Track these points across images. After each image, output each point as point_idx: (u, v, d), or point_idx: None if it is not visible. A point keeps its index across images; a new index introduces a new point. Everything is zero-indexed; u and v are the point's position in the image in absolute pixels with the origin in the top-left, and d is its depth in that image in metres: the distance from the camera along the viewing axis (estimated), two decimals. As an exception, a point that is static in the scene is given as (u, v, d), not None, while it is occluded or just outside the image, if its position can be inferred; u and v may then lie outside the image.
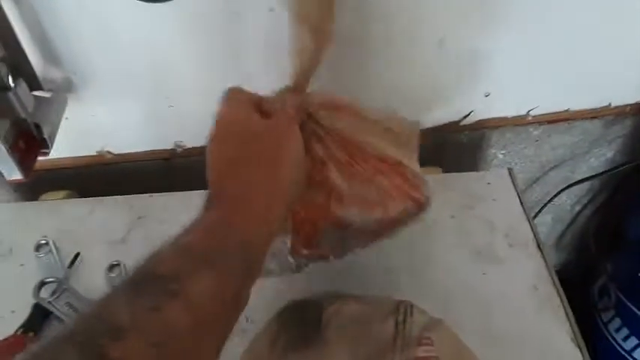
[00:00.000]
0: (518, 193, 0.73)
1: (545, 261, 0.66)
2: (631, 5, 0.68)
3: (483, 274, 0.64)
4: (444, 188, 0.74)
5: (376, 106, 0.53)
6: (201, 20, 0.62)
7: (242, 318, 0.36)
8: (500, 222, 0.70)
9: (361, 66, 0.71)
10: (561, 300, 0.61)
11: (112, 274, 0.64)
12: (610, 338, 1.01)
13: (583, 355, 0.57)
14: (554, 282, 0.63)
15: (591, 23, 0.69)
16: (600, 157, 0.92)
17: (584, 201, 1.01)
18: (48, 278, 0.62)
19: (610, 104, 0.81)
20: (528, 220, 0.70)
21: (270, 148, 0.41)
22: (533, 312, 0.61)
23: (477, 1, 0.65)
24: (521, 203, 0.72)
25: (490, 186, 0.75)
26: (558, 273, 1.19)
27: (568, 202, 1.01)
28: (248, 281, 0.35)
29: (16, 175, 0.54)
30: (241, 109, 0.45)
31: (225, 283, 0.33)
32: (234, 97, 0.46)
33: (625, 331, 0.96)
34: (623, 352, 0.99)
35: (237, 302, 0.34)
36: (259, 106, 0.45)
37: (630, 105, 0.82)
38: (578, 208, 1.03)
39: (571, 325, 0.59)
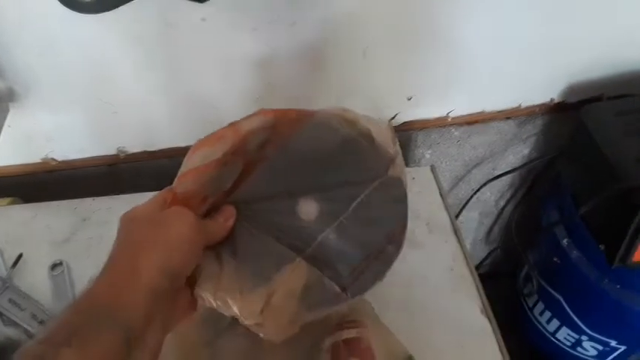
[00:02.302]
0: (439, 187, 0.80)
1: (461, 245, 0.72)
2: (537, 7, 0.76)
3: (406, 257, 0.69)
4: (373, 184, 0.81)
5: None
6: (137, 31, 0.67)
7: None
8: (423, 212, 0.77)
9: (293, 75, 0.78)
10: (474, 279, 0.68)
11: (55, 273, 0.67)
12: (536, 322, 1.09)
13: (492, 325, 0.63)
14: (468, 263, 0.70)
15: (499, 27, 0.78)
16: (517, 154, 1.01)
17: (507, 196, 1.10)
18: (-8, 278, 0.64)
19: (520, 105, 0.90)
20: (447, 210, 0.77)
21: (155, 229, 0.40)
22: (449, 290, 0.67)
23: (396, 15, 0.73)
24: (441, 195, 0.79)
25: (415, 180, 0.82)
26: (488, 266, 1.28)
27: (492, 198, 1.09)
28: (132, 352, 0.34)
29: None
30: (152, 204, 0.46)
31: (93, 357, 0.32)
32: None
33: (547, 314, 1.04)
34: (548, 335, 1.07)
35: None
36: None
37: (539, 105, 0.91)
38: (502, 203, 1.12)
39: (482, 300, 0.66)
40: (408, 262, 0.69)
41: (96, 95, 0.73)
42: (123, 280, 0.36)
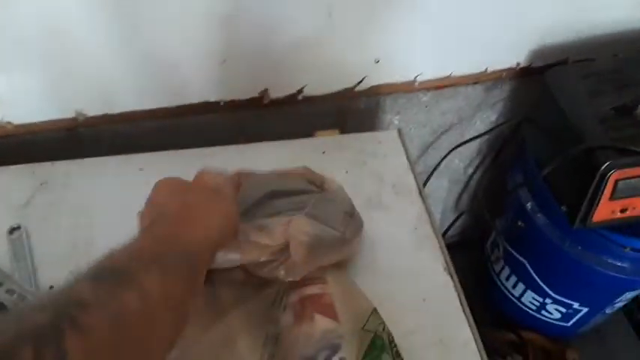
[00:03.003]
0: (405, 150, 0.80)
1: (426, 206, 0.73)
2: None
3: (371, 217, 0.70)
4: (340, 147, 0.80)
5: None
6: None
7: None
8: (389, 175, 0.77)
9: (258, 37, 0.76)
10: (437, 238, 0.69)
11: (13, 237, 0.65)
12: (502, 287, 1.11)
13: (454, 281, 0.64)
14: (432, 224, 0.70)
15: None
16: (485, 121, 1.02)
17: (475, 162, 1.11)
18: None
19: (487, 69, 0.90)
20: (413, 173, 0.77)
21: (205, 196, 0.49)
22: (413, 249, 0.68)
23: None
24: (408, 159, 0.79)
25: (381, 145, 0.82)
26: (458, 235, 1.30)
27: (461, 165, 1.10)
28: (191, 288, 0.40)
29: None
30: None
31: (172, 283, 0.37)
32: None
33: (513, 279, 1.07)
34: (514, 299, 1.10)
35: (182, 305, 0.38)
36: None
37: (505, 70, 0.92)
38: (470, 170, 1.13)
39: (444, 258, 0.67)
40: (374, 223, 0.69)
41: (51, 55, 0.71)
42: (191, 224, 0.43)
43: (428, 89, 0.91)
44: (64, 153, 0.77)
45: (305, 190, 0.60)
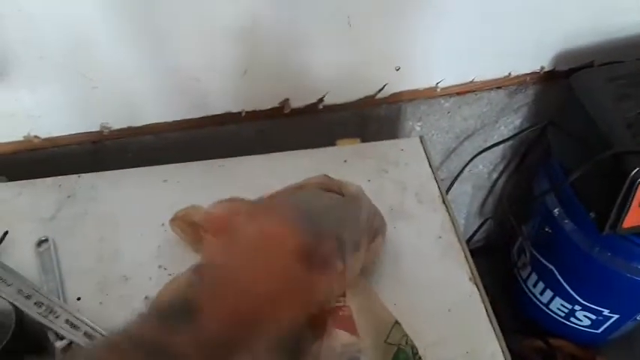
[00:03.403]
0: (428, 157, 0.79)
1: (450, 214, 0.72)
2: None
3: (394, 227, 0.69)
4: (362, 156, 0.80)
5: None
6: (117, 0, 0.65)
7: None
8: (411, 183, 0.76)
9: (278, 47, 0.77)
10: (462, 246, 0.68)
11: (41, 249, 0.66)
12: (530, 293, 1.09)
13: (479, 291, 0.63)
14: (456, 232, 0.69)
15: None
16: (509, 125, 1.00)
17: (499, 168, 1.09)
18: (-26, 255, 0.64)
19: (510, 74, 0.89)
20: (436, 181, 0.76)
21: None
22: (437, 258, 0.67)
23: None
24: (430, 166, 0.78)
25: (403, 152, 0.81)
26: (483, 240, 1.28)
27: (485, 170, 1.09)
28: None
29: None
30: None
31: None
32: None
33: (541, 285, 1.05)
34: (542, 306, 1.08)
35: None
36: None
37: (529, 74, 0.90)
38: (494, 175, 1.11)
39: (470, 267, 0.66)
40: (397, 232, 0.69)
41: (76, 70, 0.72)
42: None
43: (450, 95, 0.91)
44: (90, 165, 0.78)
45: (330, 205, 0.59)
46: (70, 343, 0.56)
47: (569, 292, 0.97)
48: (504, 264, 1.17)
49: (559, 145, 0.90)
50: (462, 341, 0.59)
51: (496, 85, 0.90)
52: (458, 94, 0.91)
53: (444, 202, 0.73)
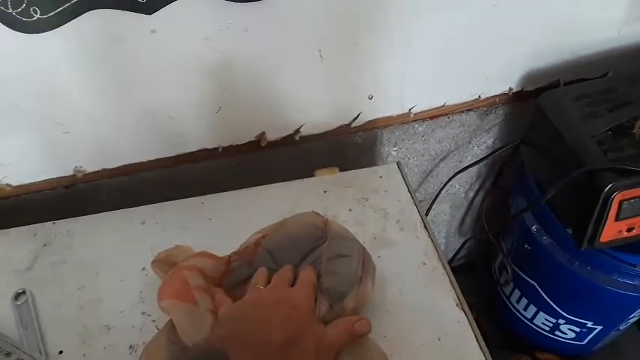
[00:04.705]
0: (406, 183, 0.80)
1: (432, 240, 0.72)
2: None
3: (378, 257, 0.69)
4: (341, 185, 0.80)
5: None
6: (84, 47, 0.64)
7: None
8: (392, 209, 0.76)
9: (252, 82, 0.77)
10: (446, 272, 0.68)
11: (18, 302, 0.64)
12: (513, 309, 1.10)
13: (467, 317, 0.63)
14: (439, 257, 0.70)
15: (450, 21, 0.78)
16: (482, 145, 1.02)
17: (475, 187, 1.11)
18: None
19: (480, 96, 0.91)
20: (416, 206, 0.77)
21: None
22: (423, 285, 0.67)
23: (350, 14, 0.72)
24: (409, 192, 0.79)
25: (382, 179, 0.81)
26: (464, 258, 1.29)
27: (461, 190, 1.10)
28: None
29: None
30: None
31: None
32: None
33: (524, 301, 1.06)
34: (526, 321, 1.09)
35: None
36: None
37: (498, 96, 0.92)
38: (471, 194, 1.12)
39: (455, 292, 0.66)
40: (381, 261, 0.69)
41: (46, 116, 0.71)
42: None
43: (423, 120, 0.92)
44: (64, 211, 0.76)
45: (313, 247, 0.61)
46: (54, 401, 0.55)
47: (552, 306, 0.98)
48: (487, 281, 1.18)
49: (532, 163, 0.92)
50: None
51: (467, 107, 0.92)
52: (430, 118, 0.92)
53: (425, 227, 0.74)
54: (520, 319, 1.09)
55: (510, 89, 0.92)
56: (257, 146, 0.84)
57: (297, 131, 0.85)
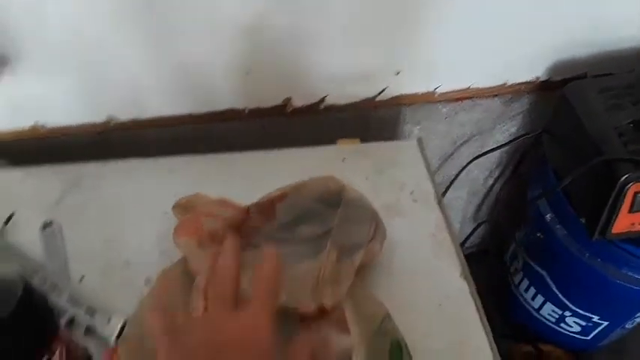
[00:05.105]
0: (424, 159, 0.82)
1: (443, 213, 0.74)
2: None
3: (390, 224, 0.71)
4: (361, 156, 0.82)
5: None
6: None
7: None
8: (408, 183, 0.78)
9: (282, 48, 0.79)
10: (454, 244, 0.70)
11: (46, 232, 0.68)
12: (521, 299, 1.11)
13: (470, 287, 0.65)
14: (449, 230, 0.72)
15: (487, 3, 0.79)
16: (504, 133, 1.02)
17: (495, 174, 1.11)
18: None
19: (506, 83, 0.92)
20: (432, 182, 0.78)
21: None
22: (430, 255, 0.69)
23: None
24: (427, 167, 0.80)
25: (401, 153, 0.83)
26: (477, 245, 1.30)
27: (480, 176, 1.11)
28: None
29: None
30: None
31: None
32: None
33: (532, 291, 1.06)
34: (533, 311, 1.09)
35: None
36: None
37: (524, 83, 0.93)
38: (490, 181, 1.13)
39: (461, 263, 0.68)
40: (392, 229, 0.70)
41: (85, 61, 0.74)
42: None
43: (448, 101, 0.93)
44: (96, 155, 0.80)
45: (327, 210, 0.63)
46: (73, 318, 0.59)
47: (559, 297, 0.99)
48: (498, 269, 1.19)
49: (553, 153, 0.93)
50: (451, 334, 0.61)
51: (492, 93, 0.93)
52: (455, 100, 0.93)
53: (438, 202, 0.76)
54: (527, 309, 1.10)
55: (537, 78, 0.92)
56: (282, 111, 0.87)
57: (323, 100, 0.87)
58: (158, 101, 0.83)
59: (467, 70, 0.89)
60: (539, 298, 1.05)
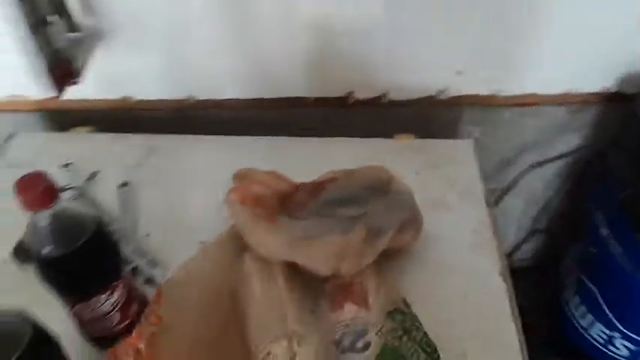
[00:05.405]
0: (478, 160, 0.83)
1: (490, 213, 0.75)
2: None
3: (433, 217, 0.73)
4: (415, 151, 0.85)
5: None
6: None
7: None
8: (458, 181, 0.80)
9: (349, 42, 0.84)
10: (497, 243, 0.71)
11: (122, 191, 0.77)
12: (571, 316, 1.09)
13: (507, 287, 0.66)
14: (493, 229, 0.73)
15: (560, 10, 0.80)
16: (568, 143, 1.01)
17: (554, 185, 1.10)
18: (69, 185, 0.75)
19: (573, 91, 0.91)
20: (482, 182, 0.80)
21: None
22: (471, 251, 0.71)
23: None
24: (479, 168, 0.82)
25: (456, 152, 0.85)
26: (531, 259, 1.28)
27: (539, 186, 1.10)
28: None
29: (52, 93, 0.67)
30: None
31: None
32: None
33: (583, 309, 1.04)
34: (582, 330, 1.07)
35: None
36: None
37: (593, 94, 0.91)
38: (548, 192, 1.11)
39: (502, 263, 0.69)
40: (435, 222, 0.73)
41: (172, 42, 0.83)
42: None
43: (510, 105, 0.93)
44: (173, 128, 0.89)
45: (371, 197, 0.66)
46: (136, 267, 0.66)
47: (609, 317, 0.96)
48: (550, 284, 1.17)
49: (617, 167, 0.91)
50: (480, 328, 0.62)
51: (557, 100, 0.92)
52: (519, 105, 0.93)
53: (486, 202, 0.77)
54: (576, 327, 1.07)
55: (607, 89, 0.90)
56: (345, 103, 0.91)
57: (384, 95, 0.91)
58: (233, 84, 0.90)
59: (533, 75, 0.90)
60: (589, 317, 1.03)
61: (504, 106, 0.94)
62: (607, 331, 1.00)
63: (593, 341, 1.06)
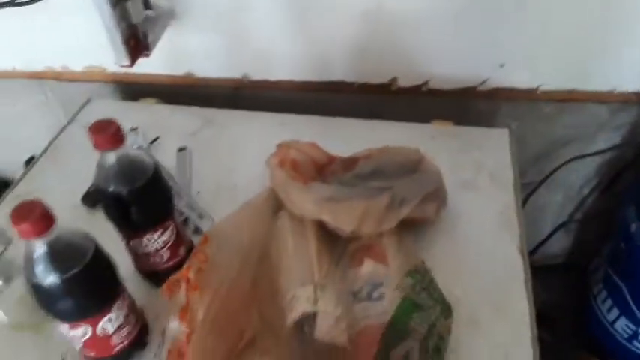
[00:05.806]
0: (512, 148, 0.87)
1: (517, 198, 0.79)
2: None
3: (461, 196, 0.78)
4: (451, 136, 0.90)
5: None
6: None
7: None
8: (490, 166, 0.84)
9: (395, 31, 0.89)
10: (519, 223, 0.75)
11: (180, 154, 0.86)
12: (597, 310, 1.10)
13: (524, 261, 0.70)
14: (518, 211, 0.77)
15: (606, 9, 0.82)
16: (607, 142, 1.02)
17: (592, 182, 1.11)
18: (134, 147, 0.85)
19: (614, 90, 0.92)
20: (513, 169, 0.83)
21: None
22: (494, 229, 0.75)
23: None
24: (512, 156, 0.86)
25: (490, 140, 0.89)
26: (565, 256, 1.28)
27: (575, 183, 1.11)
28: None
29: (125, 62, 0.77)
30: None
31: None
32: None
33: (609, 303, 1.05)
34: (606, 324, 1.08)
35: None
36: None
37: (635, 93, 0.92)
38: (585, 190, 1.12)
39: (521, 241, 0.73)
40: (462, 200, 0.78)
41: (234, 24, 0.91)
42: None
43: (550, 100, 0.96)
44: (228, 104, 0.97)
45: (401, 174, 0.72)
46: (186, 219, 0.75)
47: (634, 312, 0.97)
48: (580, 280, 1.18)
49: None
50: (495, 296, 0.67)
51: (599, 98, 0.94)
52: (559, 100, 0.96)
53: (515, 188, 0.81)
54: (601, 321, 1.09)
55: (649, 89, 0.92)
56: (388, 89, 0.97)
57: (425, 83, 0.95)
58: (285, 66, 0.97)
59: (574, 71, 0.92)
60: (615, 311, 1.04)
61: (544, 100, 0.96)
62: (632, 326, 1.01)
63: (617, 336, 1.07)
